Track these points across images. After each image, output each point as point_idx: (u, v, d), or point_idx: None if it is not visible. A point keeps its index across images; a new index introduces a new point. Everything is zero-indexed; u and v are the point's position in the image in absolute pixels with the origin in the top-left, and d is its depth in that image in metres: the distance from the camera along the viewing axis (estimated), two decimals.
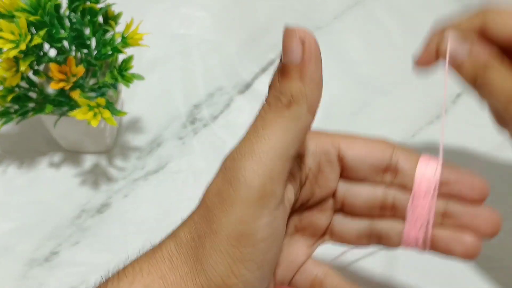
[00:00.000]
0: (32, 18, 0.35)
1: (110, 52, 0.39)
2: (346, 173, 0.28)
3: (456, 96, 0.50)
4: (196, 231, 0.24)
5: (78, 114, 0.36)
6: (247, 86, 0.50)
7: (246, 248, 0.23)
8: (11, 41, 0.34)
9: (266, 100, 0.24)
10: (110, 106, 0.38)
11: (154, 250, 0.25)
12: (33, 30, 0.36)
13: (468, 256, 0.27)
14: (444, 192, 0.27)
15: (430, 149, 0.30)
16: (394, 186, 0.28)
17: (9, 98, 0.37)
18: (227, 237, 0.23)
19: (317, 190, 0.28)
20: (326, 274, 0.29)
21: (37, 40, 0.34)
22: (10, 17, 0.36)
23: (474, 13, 0.31)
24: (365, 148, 0.28)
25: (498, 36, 0.30)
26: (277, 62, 0.52)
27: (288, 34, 0.23)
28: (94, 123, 0.36)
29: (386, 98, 0.50)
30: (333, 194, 0.29)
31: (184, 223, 0.26)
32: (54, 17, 0.36)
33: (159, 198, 0.43)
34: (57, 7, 0.37)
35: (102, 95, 0.40)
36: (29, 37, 0.34)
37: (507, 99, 0.29)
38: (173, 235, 0.25)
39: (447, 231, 0.27)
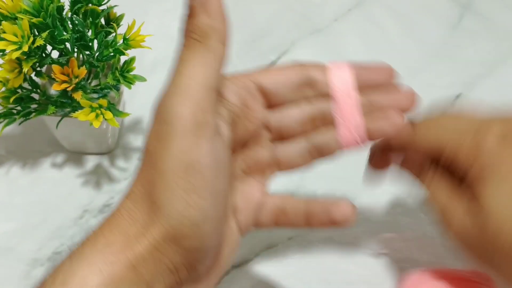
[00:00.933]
0: (34, 20, 0.35)
1: (112, 54, 0.39)
2: (271, 101, 0.30)
3: (456, 97, 0.50)
4: (145, 179, 0.25)
5: (80, 115, 0.36)
6: None
7: (194, 176, 0.24)
8: (14, 43, 0.34)
9: (182, 44, 0.26)
10: (112, 107, 0.38)
11: (113, 213, 0.26)
12: (36, 32, 0.36)
13: (397, 128, 0.29)
14: (361, 85, 0.30)
15: None
16: (317, 97, 0.30)
17: (12, 99, 0.38)
18: (174, 171, 0.24)
19: (248, 124, 0.30)
20: (284, 201, 0.30)
21: (39, 42, 0.35)
22: (12, 19, 0.36)
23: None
24: (279, 73, 0.30)
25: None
26: (278, 63, 0.52)
27: None
28: (96, 124, 0.36)
29: None
30: (268, 127, 0.31)
31: (134, 179, 0.26)
32: (57, 19, 0.37)
33: None
34: (60, 9, 0.37)
35: (104, 96, 0.40)
36: (31, 38, 0.35)
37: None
38: (127, 194, 0.26)
39: (374, 117, 0.30)
